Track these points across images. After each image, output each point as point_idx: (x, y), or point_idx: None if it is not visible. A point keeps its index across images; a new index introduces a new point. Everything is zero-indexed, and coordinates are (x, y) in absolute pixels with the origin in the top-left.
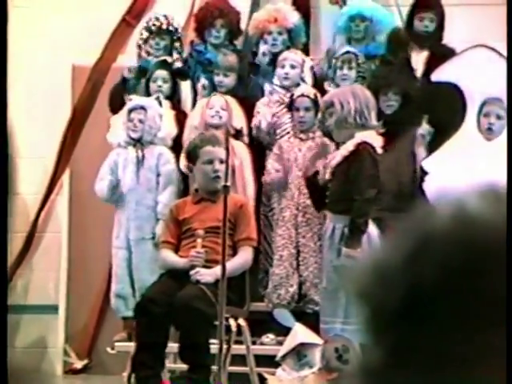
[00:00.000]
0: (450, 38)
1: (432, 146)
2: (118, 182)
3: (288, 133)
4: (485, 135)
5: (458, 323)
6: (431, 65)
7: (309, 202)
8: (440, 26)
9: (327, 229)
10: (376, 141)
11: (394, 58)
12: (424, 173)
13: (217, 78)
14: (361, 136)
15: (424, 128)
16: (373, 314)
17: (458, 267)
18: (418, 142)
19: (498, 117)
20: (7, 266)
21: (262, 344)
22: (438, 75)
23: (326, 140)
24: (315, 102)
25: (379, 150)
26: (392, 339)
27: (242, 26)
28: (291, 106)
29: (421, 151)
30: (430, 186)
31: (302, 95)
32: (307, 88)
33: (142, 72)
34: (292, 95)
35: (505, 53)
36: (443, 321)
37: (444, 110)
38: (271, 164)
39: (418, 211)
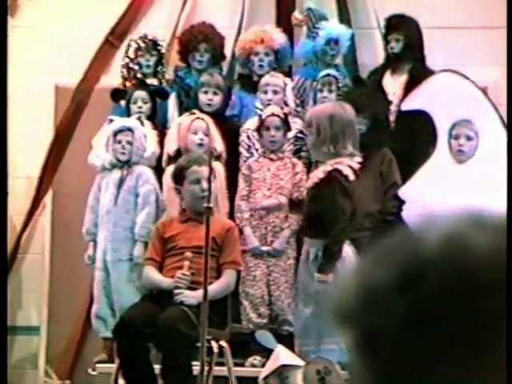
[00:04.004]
0: (429, 61)
1: (404, 175)
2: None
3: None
4: (456, 158)
5: (452, 347)
6: (409, 89)
7: (277, 221)
8: (411, 47)
9: (303, 252)
10: (348, 168)
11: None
12: (401, 202)
13: (205, 97)
14: (332, 163)
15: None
16: (361, 337)
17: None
18: (386, 164)
19: (468, 138)
20: (7, 287)
21: (253, 366)
22: (408, 104)
23: (295, 159)
24: (285, 121)
25: (351, 177)
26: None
27: (228, 47)
28: (261, 126)
29: (392, 173)
30: (409, 215)
31: (273, 114)
32: (276, 108)
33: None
34: (261, 115)
35: (474, 76)
36: (436, 346)
37: (415, 139)
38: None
39: (405, 236)
